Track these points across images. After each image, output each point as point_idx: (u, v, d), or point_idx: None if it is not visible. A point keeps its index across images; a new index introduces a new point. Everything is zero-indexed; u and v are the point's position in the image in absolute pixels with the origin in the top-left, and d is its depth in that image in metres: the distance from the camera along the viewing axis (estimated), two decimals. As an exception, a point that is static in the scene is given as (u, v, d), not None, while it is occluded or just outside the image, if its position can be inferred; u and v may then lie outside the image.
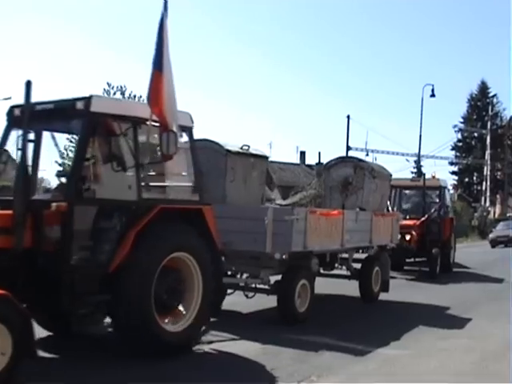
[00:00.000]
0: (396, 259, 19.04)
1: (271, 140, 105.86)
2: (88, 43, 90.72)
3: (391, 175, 14.34)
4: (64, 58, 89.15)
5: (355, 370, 7.35)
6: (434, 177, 21.20)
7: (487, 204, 55.49)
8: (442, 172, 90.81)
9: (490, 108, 62.84)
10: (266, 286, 9.92)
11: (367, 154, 50.18)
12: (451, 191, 64.92)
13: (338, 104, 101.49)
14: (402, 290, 15.43)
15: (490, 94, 66.34)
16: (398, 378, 6.99)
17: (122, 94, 47.04)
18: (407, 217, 19.65)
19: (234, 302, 10.64)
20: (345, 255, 12.25)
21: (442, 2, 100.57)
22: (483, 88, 66.97)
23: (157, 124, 7.32)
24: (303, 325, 9.71)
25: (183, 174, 8.36)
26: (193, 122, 8.16)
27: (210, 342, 8.28)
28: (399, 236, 18.12)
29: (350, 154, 46.94)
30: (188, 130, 8.08)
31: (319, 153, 56.48)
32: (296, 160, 66.75)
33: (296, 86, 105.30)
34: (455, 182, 65.49)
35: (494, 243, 36.94)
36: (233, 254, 9.58)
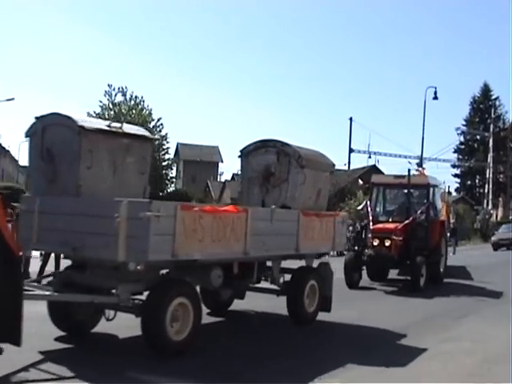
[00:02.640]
0: (375, 268, 15.58)
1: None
2: (91, 43, 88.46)
3: (333, 165, 10.67)
4: (65, 59, 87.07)
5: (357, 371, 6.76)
6: (421, 173, 17.29)
7: (489, 207, 53.29)
8: (444, 174, 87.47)
9: (492, 111, 59.99)
10: (129, 305, 7.01)
11: (370, 156, 47.58)
12: (453, 193, 61.83)
13: (340, 106, 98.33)
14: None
15: (493, 97, 63.78)
16: (400, 379, 6.53)
17: (123, 94, 43.63)
18: (390, 219, 15.91)
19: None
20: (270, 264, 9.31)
21: (445, 5, 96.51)
22: (486, 91, 64.16)
23: None
24: (181, 358, 6.78)
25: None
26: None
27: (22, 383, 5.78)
28: (377, 242, 14.62)
29: (353, 156, 43.55)
30: None
31: (322, 155, 53.80)
32: (298, 162, 63.85)
33: (299, 87, 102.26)
34: (458, 185, 62.66)
35: (496, 246, 35.06)
36: (92, 262, 7.13)
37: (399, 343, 8.40)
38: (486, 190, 54.28)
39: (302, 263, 9.85)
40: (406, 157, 47.12)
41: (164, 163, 47.36)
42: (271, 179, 9.31)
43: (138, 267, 6.39)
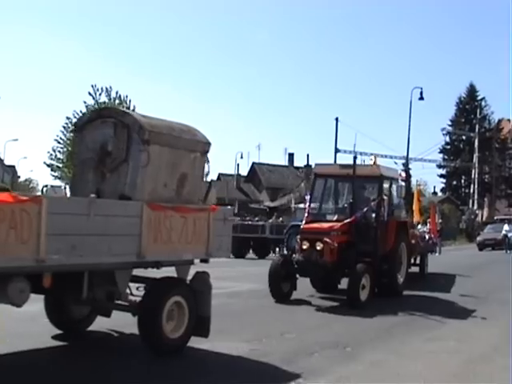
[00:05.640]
0: (314, 277, 11.82)
1: (260, 142, 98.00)
2: (75, 46, 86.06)
3: (208, 143, 7.29)
4: (51, 60, 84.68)
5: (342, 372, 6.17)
6: (374, 163, 13.57)
7: (475, 207, 50.66)
8: (430, 175, 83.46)
9: (478, 111, 56.80)
10: None
11: (355, 157, 43.66)
12: (438, 193, 58.22)
13: (326, 106, 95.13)
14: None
15: (479, 98, 60.03)
16: (385, 379, 6.08)
17: (108, 94, 40.70)
18: (335, 218, 12.15)
19: None
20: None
21: (431, 6, 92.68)
22: (471, 91, 60.62)
23: None
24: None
25: None
26: None
27: None
28: (307, 245, 10.92)
29: (339, 156, 40.05)
30: None
31: (308, 155, 52.12)
32: (284, 162, 61.73)
33: (285, 87, 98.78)
34: (443, 185, 60.80)
35: (482, 246, 33.80)
36: None
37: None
38: (472, 191, 51.38)
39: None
40: (391, 157, 44.06)
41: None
42: (107, 160, 6.44)
43: None
